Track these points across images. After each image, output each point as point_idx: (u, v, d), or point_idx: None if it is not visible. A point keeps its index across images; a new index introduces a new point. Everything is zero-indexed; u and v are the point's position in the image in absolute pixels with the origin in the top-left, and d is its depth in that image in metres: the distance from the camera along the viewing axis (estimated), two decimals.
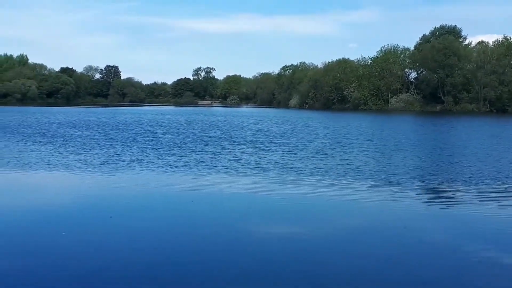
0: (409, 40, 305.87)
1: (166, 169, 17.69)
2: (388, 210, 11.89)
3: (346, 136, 34.36)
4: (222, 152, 23.03)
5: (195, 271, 7.64)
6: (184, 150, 23.66)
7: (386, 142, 29.52)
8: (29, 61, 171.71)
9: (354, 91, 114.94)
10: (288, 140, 30.46)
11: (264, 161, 19.96)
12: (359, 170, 17.71)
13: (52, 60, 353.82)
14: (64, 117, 57.42)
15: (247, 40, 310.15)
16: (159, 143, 27.31)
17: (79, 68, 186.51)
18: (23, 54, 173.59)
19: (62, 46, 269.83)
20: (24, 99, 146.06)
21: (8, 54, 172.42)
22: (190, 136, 32.89)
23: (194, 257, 8.31)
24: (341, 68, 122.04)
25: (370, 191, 14.00)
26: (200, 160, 19.96)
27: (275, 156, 21.76)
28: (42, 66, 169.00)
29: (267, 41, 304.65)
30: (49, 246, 8.86)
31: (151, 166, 18.17)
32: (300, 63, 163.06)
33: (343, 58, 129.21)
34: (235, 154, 22.26)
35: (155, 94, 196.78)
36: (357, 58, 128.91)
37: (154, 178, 15.83)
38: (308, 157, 21.70)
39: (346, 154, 22.79)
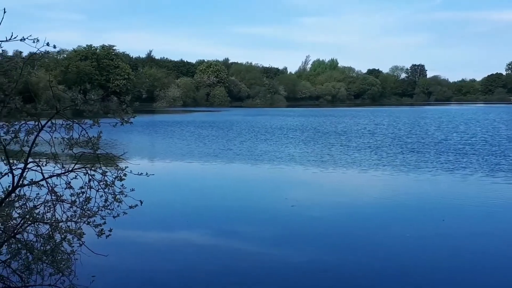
0: None
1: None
2: None
3: None
4: None
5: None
6: None
7: None
8: (339, 65, 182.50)
9: None
10: None
11: None
12: None
13: (360, 62, 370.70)
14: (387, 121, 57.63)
15: None
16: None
17: (385, 69, 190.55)
18: (333, 59, 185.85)
19: (369, 49, 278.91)
20: (334, 101, 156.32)
21: (321, 59, 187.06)
22: None
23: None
24: None
25: None
26: None
27: None
28: (350, 69, 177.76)
29: None
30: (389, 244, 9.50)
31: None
32: None
33: None
34: None
35: (462, 91, 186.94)
36: None
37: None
38: None
39: None
